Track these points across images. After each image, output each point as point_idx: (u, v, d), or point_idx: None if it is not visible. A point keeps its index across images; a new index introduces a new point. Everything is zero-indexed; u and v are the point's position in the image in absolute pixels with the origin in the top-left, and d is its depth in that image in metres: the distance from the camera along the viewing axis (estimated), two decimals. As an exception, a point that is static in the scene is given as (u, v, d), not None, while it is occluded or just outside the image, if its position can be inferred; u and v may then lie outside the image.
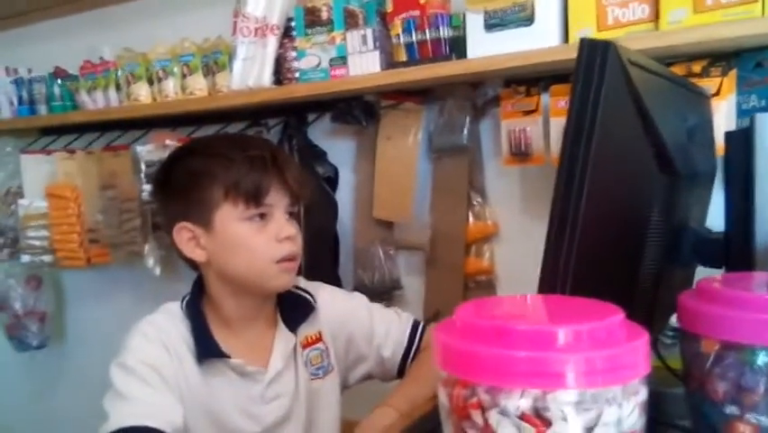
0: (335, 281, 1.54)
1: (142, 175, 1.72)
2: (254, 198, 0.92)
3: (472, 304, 0.48)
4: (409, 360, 1.09)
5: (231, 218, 0.92)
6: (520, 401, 0.39)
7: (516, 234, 1.46)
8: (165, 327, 0.95)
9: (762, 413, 0.43)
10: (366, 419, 0.98)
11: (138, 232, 1.78)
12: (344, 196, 1.63)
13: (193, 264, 0.99)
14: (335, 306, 1.08)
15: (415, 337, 1.09)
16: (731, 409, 0.44)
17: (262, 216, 0.93)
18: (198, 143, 1.07)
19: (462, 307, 0.46)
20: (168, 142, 1.69)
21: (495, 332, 0.41)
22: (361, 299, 1.13)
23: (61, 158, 1.94)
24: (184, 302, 0.98)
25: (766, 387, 0.42)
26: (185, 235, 0.95)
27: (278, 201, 0.94)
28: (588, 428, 0.39)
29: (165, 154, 1.58)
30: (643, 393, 0.41)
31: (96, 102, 1.83)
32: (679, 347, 0.50)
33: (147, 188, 1.72)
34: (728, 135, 0.66)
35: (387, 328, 1.09)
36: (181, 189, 0.95)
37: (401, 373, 1.09)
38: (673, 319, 0.60)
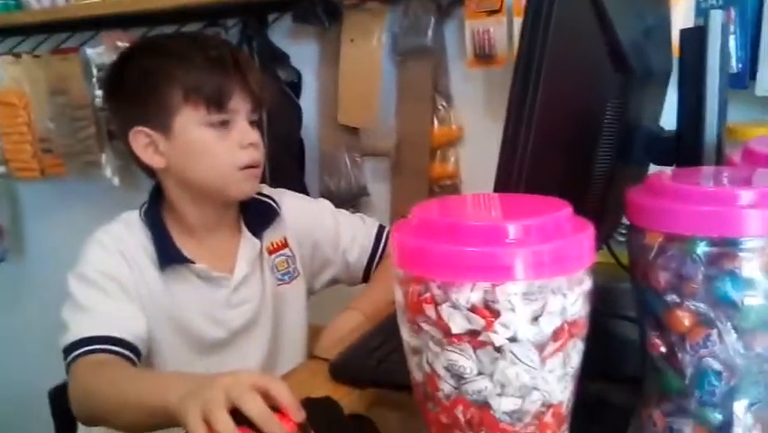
0: (301, 188, 1.54)
1: (94, 80, 1.64)
2: (217, 102, 0.89)
3: (428, 204, 0.49)
4: (374, 265, 1.11)
5: (192, 123, 0.89)
6: (470, 295, 0.40)
7: (481, 138, 1.46)
8: (122, 236, 0.93)
9: (699, 300, 0.45)
10: (332, 322, 1.00)
11: (93, 140, 1.72)
12: (308, 101, 1.58)
13: (150, 171, 0.96)
14: (300, 212, 1.08)
15: (380, 243, 1.11)
16: (672, 298, 0.47)
17: (224, 122, 0.90)
18: (152, 42, 1.02)
19: (419, 206, 0.47)
20: (119, 43, 1.60)
21: (447, 229, 0.42)
22: (325, 204, 1.14)
23: (6, 62, 1.84)
24: (142, 211, 0.97)
25: (704, 276, 0.45)
26: (142, 141, 0.91)
27: (240, 107, 0.91)
28: (534, 317, 0.41)
29: (117, 57, 1.52)
30: (587, 283, 0.43)
31: (41, 1, 1.71)
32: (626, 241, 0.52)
33: (100, 93, 1.64)
34: (683, 33, 0.65)
35: (352, 234, 1.10)
36: (136, 92, 0.91)
37: (366, 277, 1.11)
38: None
